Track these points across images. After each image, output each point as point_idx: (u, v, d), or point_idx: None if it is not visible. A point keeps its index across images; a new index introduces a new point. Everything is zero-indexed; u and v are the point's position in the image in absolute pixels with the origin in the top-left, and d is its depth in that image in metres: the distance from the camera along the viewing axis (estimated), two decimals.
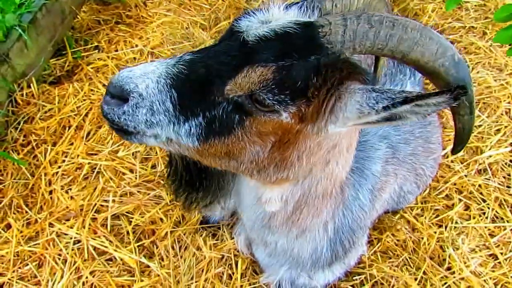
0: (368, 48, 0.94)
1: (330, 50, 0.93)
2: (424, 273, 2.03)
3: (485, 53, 3.07)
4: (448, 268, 2.05)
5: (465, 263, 2.04)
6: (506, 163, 2.51)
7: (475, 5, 3.46)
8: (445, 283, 1.98)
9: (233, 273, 2.04)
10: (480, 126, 2.68)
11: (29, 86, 2.70)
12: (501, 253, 2.10)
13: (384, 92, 0.93)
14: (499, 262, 2.07)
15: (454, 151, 1.18)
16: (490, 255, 2.12)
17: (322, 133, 1.05)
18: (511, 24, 2.10)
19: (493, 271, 2.03)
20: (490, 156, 2.52)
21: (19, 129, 2.58)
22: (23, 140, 2.54)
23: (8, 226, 2.22)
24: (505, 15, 2.25)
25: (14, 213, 2.27)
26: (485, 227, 2.21)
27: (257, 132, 1.03)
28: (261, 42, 0.95)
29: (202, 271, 2.03)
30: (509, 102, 2.77)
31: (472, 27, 3.30)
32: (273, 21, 0.99)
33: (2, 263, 2.09)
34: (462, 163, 2.50)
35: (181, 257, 2.07)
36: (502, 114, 2.72)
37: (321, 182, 1.29)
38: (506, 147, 2.55)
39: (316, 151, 1.13)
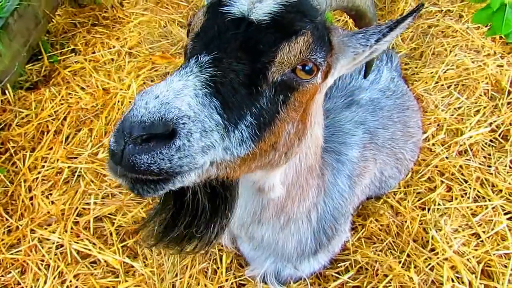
0: (338, 2, 1.10)
1: (320, 10, 1.03)
2: (408, 255, 2.04)
3: (462, 35, 3.08)
4: (432, 250, 2.05)
5: (448, 243, 2.05)
6: (486, 143, 2.53)
7: None
8: (429, 264, 1.98)
9: (218, 268, 2.03)
10: (459, 108, 2.69)
11: (4, 93, 2.67)
12: (484, 232, 2.11)
13: (366, 31, 1.12)
14: (482, 241, 2.08)
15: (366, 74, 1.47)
16: (473, 234, 2.13)
17: (324, 88, 1.16)
18: (487, 5, 2.11)
19: (476, 249, 2.04)
20: (471, 137, 2.53)
21: None
22: (0, 148, 2.50)
23: None
24: None
25: None
26: (467, 207, 2.22)
27: (298, 106, 1.02)
28: (276, 17, 0.94)
29: (186, 267, 2.02)
30: (487, 83, 2.79)
31: (449, 10, 3.31)
32: None
33: None
34: (443, 145, 2.51)
35: (164, 255, 2.06)
36: (480, 95, 2.74)
37: (307, 155, 1.31)
38: (485, 127, 2.57)
39: (316, 110, 1.20)
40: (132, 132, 0.74)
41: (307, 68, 0.97)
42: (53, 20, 3.25)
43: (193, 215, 1.05)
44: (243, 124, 0.89)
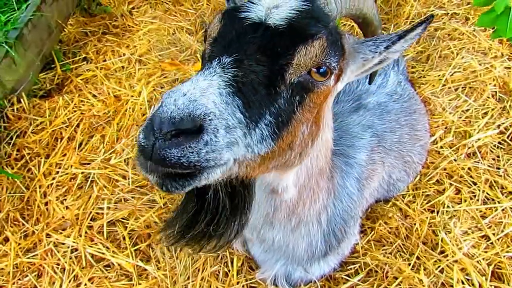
0: (347, 10, 1.14)
1: (331, 16, 1.08)
2: (418, 258, 2.05)
3: (468, 38, 3.09)
4: (441, 252, 2.06)
5: (457, 245, 2.06)
6: (494, 145, 2.53)
7: None
8: (439, 267, 1.99)
9: (229, 271, 2.06)
10: (467, 110, 2.70)
11: (19, 101, 2.74)
12: (493, 234, 2.12)
13: (376, 39, 1.18)
14: (492, 243, 2.09)
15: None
16: (483, 236, 2.13)
17: (335, 91, 1.20)
18: (492, 8, 2.13)
19: (486, 251, 2.04)
20: (479, 139, 2.54)
21: (11, 144, 2.61)
22: (16, 155, 2.57)
23: (6, 239, 2.24)
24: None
25: (11, 226, 2.29)
26: (477, 209, 2.23)
27: (312, 107, 1.06)
28: (292, 22, 0.99)
29: (198, 270, 2.05)
30: (495, 85, 2.79)
31: (455, 13, 3.33)
32: (281, 5, 1.01)
33: (2, 276, 2.11)
34: (451, 147, 2.52)
35: (176, 258, 2.10)
36: (488, 97, 2.74)
37: (318, 157, 1.35)
38: (494, 129, 2.57)
39: (327, 113, 1.24)
40: (162, 128, 0.78)
41: (321, 70, 1.01)
42: (65, 29, 3.34)
43: (214, 213, 1.10)
44: (263, 122, 0.93)
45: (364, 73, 1.24)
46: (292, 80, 0.99)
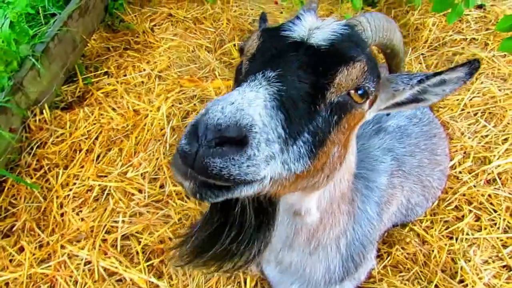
0: (380, 39, 1.14)
1: (368, 43, 1.10)
2: (436, 286, 1.99)
3: (488, 63, 3.08)
4: (461, 281, 2.01)
5: (478, 275, 2.00)
6: None
7: (476, 17, 3.50)
8: None
9: None
10: (487, 136, 2.67)
11: (41, 112, 2.80)
12: None
13: (413, 74, 1.16)
14: None
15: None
16: (504, 266, 2.07)
17: (367, 117, 1.19)
18: None
19: (508, 282, 1.98)
20: (499, 166, 2.49)
21: (32, 154, 2.66)
22: (36, 165, 2.61)
23: (21, 249, 2.26)
24: (508, 25, 2.29)
25: (27, 236, 2.31)
26: (497, 238, 2.17)
27: (346, 129, 1.06)
28: (335, 44, 1.00)
29: None
30: None
31: (474, 38, 3.33)
32: (322, 27, 1.04)
33: (15, 286, 2.12)
34: (470, 173, 2.48)
35: (189, 275, 2.08)
36: (508, 123, 2.71)
37: (342, 181, 1.34)
38: None
39: (353, 140, 1.24)
40: (207, 134, 0.75)
41: (360, 92, 1.02)
42: (88, 44, 3.43)
43: (239, 229, 1.07)
44: (301, 140, 0.91)
45: (396, 107, 1.22)
46: (332, 99, 0.99)
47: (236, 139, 0.76)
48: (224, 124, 0.75)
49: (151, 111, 2.90)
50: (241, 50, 1.13)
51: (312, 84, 0.94)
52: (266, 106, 0.83)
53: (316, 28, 1.02)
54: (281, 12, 3.73)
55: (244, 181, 0.81)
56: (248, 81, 0.90)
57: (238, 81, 1.03)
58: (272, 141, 0.82)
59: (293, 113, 0.88)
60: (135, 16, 3.73)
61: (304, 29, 1.02)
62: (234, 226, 1.06)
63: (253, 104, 0.81)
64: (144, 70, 3.26)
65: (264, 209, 1.07)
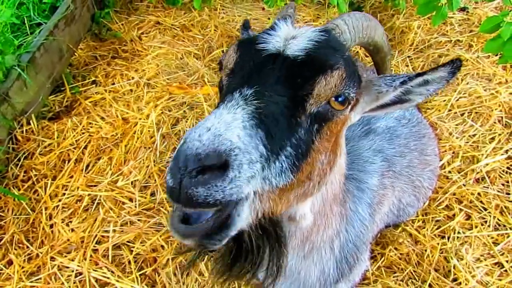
0: (360, 39, 1.14)
1: (346, 46, 1.09)
2: (430, 285, 2.00)
3: (472, 64, 3.14)
4: (454, 279, 2.02)
5: (470, 273, 2.01)
6: (503, 170, 2.52)
7: (459, 20, 3.57)
8: None
9: None
10: (474, 135, 2.71)
11: (28, 123, 2.76)
12: (507, 261, 2.08)
13: (395, 75, 1.15)
14: (505, 270, 2.04)
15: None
16: (496, 263, 2.09)
17: (351, 121, 1.19)
18: (498, 35, 2.18)
19: (500, 279, 2.00)
20: (487, 165, 2.53)
21: (19, 165, 2.61)
22: (23, 176, 2.57)
23: (10, 262, 2.21)
24: (490, 26, 2.34)
25: (15, 249, 2.26)
26: (488, 236, 2.20)
27: (329, 136, 1.06)
28: (311, 53, 0.99)
29: None
30: (501, 111, 2.82)
31: (458, 40, 3.39)
32: (298, 35, 1.03)
33: None
34: (459, 172, 2.51)
35: (183, 283, 2.05)
36: (495, 123, 2.76)
37: (333, 183, 1.34)
38: (502, 154, 2.57)
39: (341, 143, 1.23)
40: (187, 165, 0.76)
41: (340, 99, 1.01)
42: (75, 53, 3.40)
43: (255, 255, 1.12)
44: (283, 154, 0.91)
45: (380, 109, 1.20)
46: (312, 110, 0.99)
47: (216, 165, 0.77)
48: (203, 153, 0.76)
49: (140, 119, 2.88)
50: (220, 65, 1.12)
51: (290, 97, 0.94)
52: (245, 126, 0.83)
53: (292, 38, 1.01)
54: (269, 18, 3.75)
55: (229, 203, 0.82)
56: (225, 101, 0.90)
57: (221, 97, 1.04)
58: (254, 161, 0.83)
59: (273, 129, 0.89)
60: (122, 24, 3.72)
61: (280, 40, 1.01)
62: (249, 254, 1.12)
63: (230, 127, 0.81)
64: (133, 78, 3.25)
65: (270, 232, 1.11)
